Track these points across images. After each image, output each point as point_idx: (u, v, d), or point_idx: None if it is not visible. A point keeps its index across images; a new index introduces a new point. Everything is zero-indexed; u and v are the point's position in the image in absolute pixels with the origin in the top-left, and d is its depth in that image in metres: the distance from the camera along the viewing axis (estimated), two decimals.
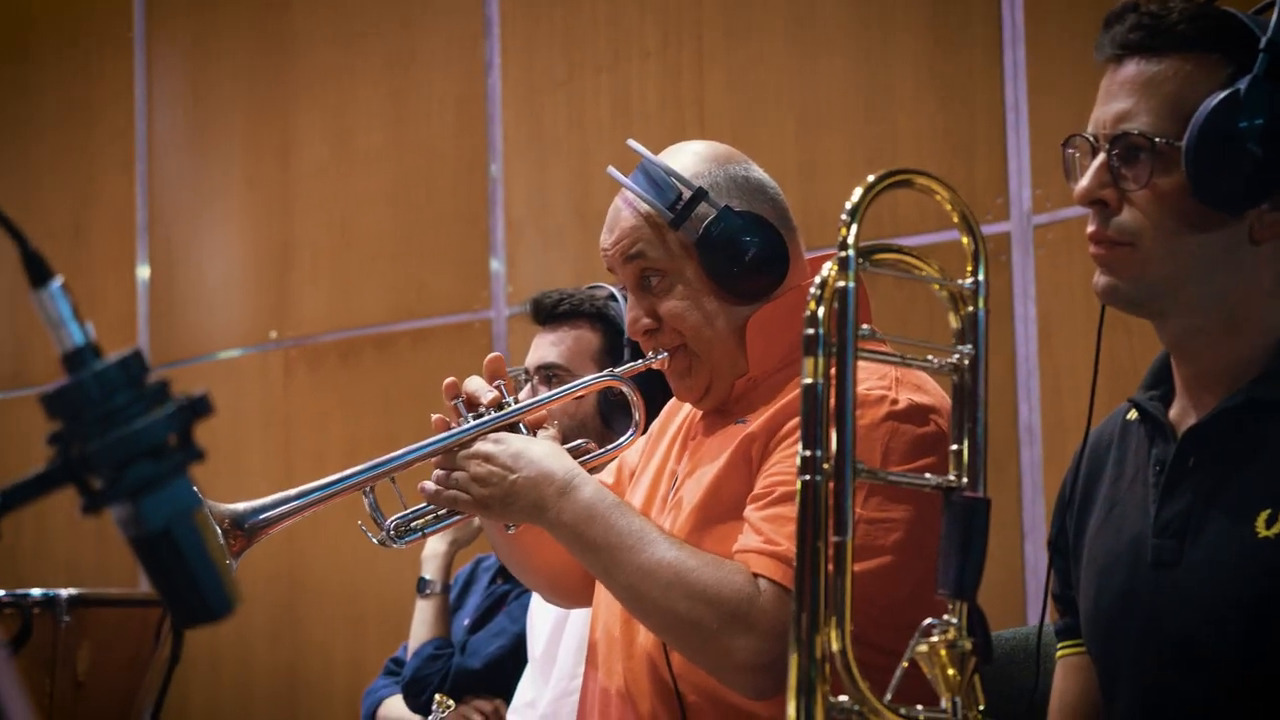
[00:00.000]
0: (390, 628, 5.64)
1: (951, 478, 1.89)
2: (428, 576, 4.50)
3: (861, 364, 2.58)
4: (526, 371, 3.96)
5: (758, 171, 2.84)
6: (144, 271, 7.78)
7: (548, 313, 3.95)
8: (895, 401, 2.60)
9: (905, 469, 2.52)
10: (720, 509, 2.69)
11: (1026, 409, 4.97)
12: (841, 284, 1.85)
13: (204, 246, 7.56)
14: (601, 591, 2.84)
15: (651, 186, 2.75)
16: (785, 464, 2.61)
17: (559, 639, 3.68)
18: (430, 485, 2.77)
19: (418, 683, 4.33)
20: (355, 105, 6.95)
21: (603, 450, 2.94)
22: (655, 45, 5.99)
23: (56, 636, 5.61)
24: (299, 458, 6.91)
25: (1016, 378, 5.00)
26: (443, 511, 2.82)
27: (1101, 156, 2.20)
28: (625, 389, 2.92)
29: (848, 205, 1.90)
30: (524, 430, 2.79)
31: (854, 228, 1.87)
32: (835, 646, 1.78)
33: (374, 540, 2.84)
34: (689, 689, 2.67)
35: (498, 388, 2.80)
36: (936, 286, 1.94)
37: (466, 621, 4.46)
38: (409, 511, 2.84)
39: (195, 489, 1.35)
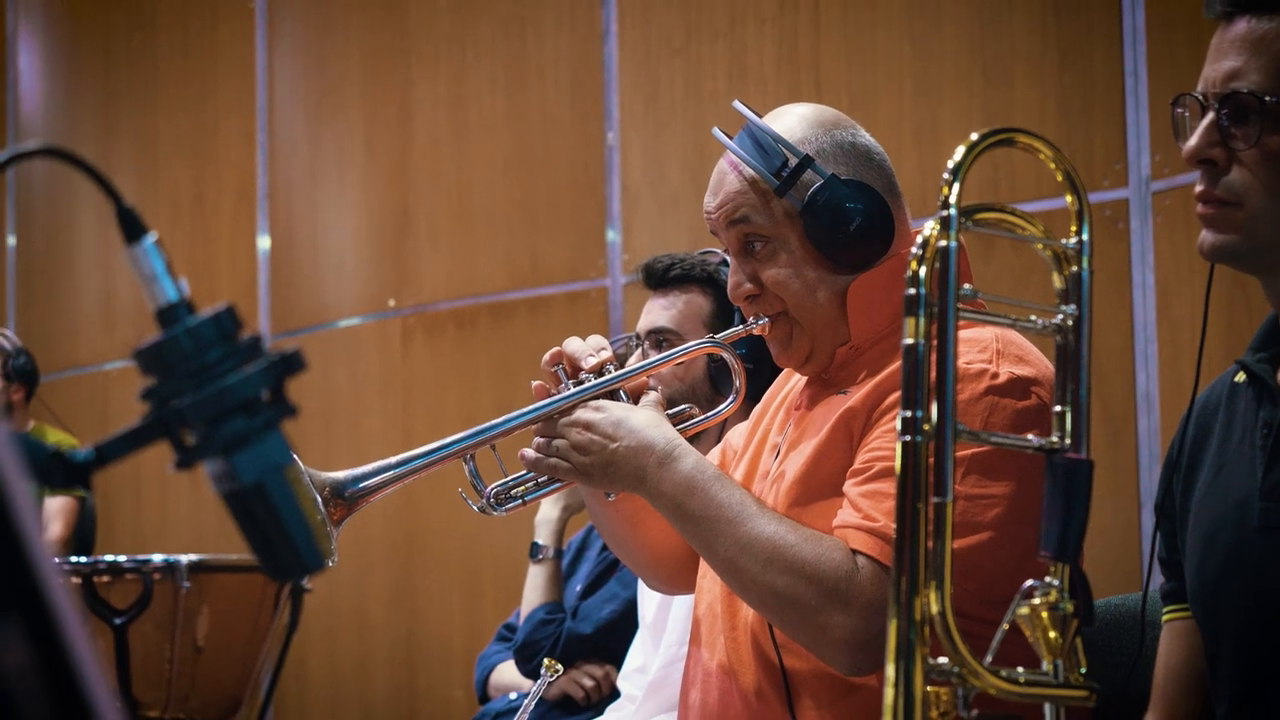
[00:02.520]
0: (507, 594, 5.66)
1: (1054, 439, 1.86)
2: (541, 542, 4.51)
3: (963, 337, 2.57)
4: (638, 336, 3.95)
5: (865, 137, 2.79)
6: (264, 241, 7.85)
7: (659, 277, 3.94)
8: (995, 375, 2.56)
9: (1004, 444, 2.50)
10: (820, 483, 2.66)
11: (1144, 377, 4.92)
12: (943, 243, 1.83)
13: (323, 215, 7.62)
14: (705, 569, 2.83)
15: (757, 151, 2.71)
16: (885, 438, 2.58)
17: (669, 605, 3.68)
18: (530, 453, 2.76)
19: (529, 647, 4.34)
20: (473, 73, 6.97)
21: (705, 416, 2.91)
22: (772, 11, 5.96)
23: (177, 602, 5.69)
24: (417, 424, 6.95)
25: (1134, 345, 4.95)
26: (543, 479, 2.81)
27: (1210, 116, 2.17)
28: (726, 355, 2.89)
29: (950, 164, 1.88)
30: (625, 397, 2.77)
31: (956, 186, 1.85)
32: (935, 609, 1.76)
33: (474, 508, 2.82)
34: (793, 662, 2.66)
35: (600, 354, 2.78)
36: (1040, 246, 1.91)
37: (579, 587, 4.47)
38: (509, 479, 2.83)
39: (288, 445, 1.35)
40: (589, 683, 4.30)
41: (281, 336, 7.68)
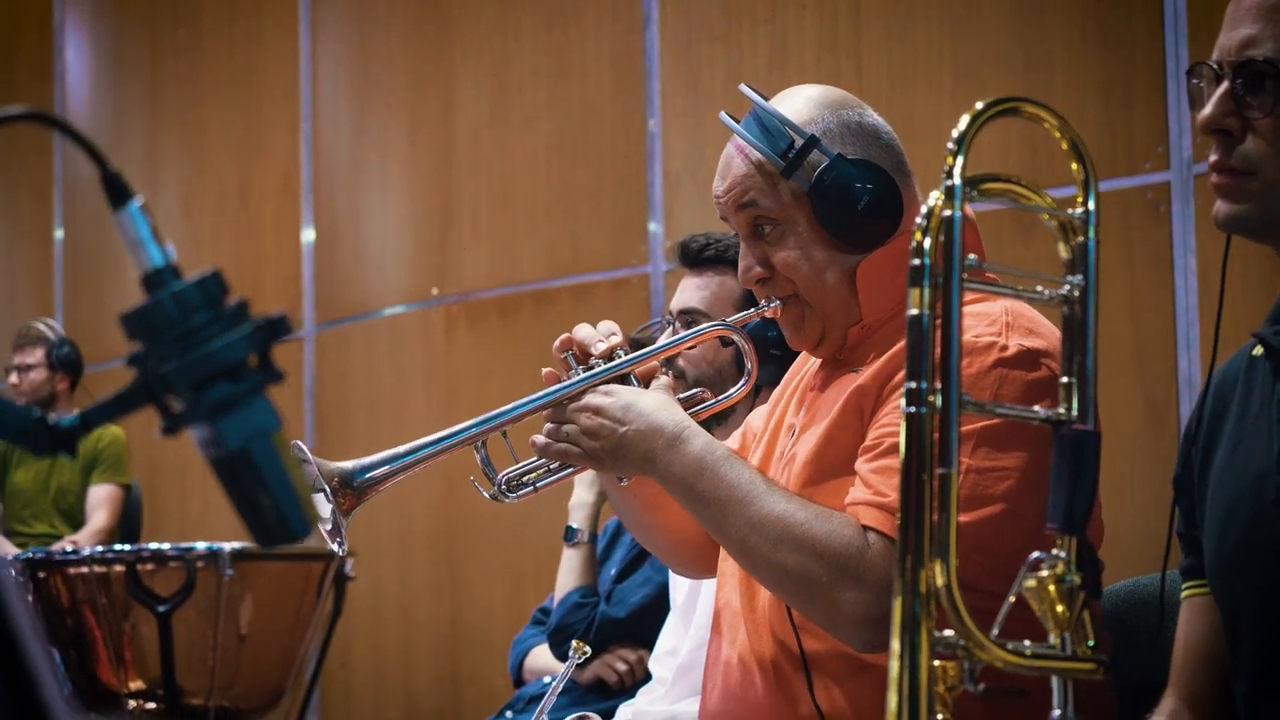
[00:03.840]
0: (549, 582, 5.67)
1: (1061, 411, 1.85)
2: (575, 526, 4.51)
3: (972, 311, 2.56)
4: (670, 314, 3.94)
5: (872, 116, 2.78)
6: (309, 232, 7.88)
7: (694, 257, 3.93)
8: (1005, 348, 2.54)
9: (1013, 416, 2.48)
10: (832, 462, 2.65)
11: (1186, 360, 4.89)
12: (948, 213, 1.82)
13: (367, 206, 7.65)
14: (725, 556, 2.82)
15: (763, 133, 2.70)
16: (895, 414, 2.55)
17: (699, 589, 3.67)
18: (541, 439, 2.75)
19: (563, 631, 4.35)
20: (515, 63, 6.98)
21: (716, 400, 2.89)
22: None
23: (220, 590, 5.72)
24: (460, 412, 6.89)
25: (1176, 329, 4.92)
26: (555, 465, 2.79)
27: (1225, 84, 2.14)
28: (737, 338, 2.87)
29: (954, 133, 1.87)
30: (635, 382, 2.76)
31: (960, 158, 1.84)
32: (940, 582, 1.74)
33: (486, 495, 2.81)
34: (811, 643, 2.64)
35: (609, 339, 2.77)
36: (1046, 216, 1.89)
37: (613, 571, 4.47)
38: (520, 466, 2.81)
39: (274, 410, 1.35)
40: (622, 666, 4.30)
41: (326, 326, 7.71)
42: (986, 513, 2.48)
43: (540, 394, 2.75)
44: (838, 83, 5.67)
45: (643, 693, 3.93)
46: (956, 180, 1.82)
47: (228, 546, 5.73)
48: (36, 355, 7.49)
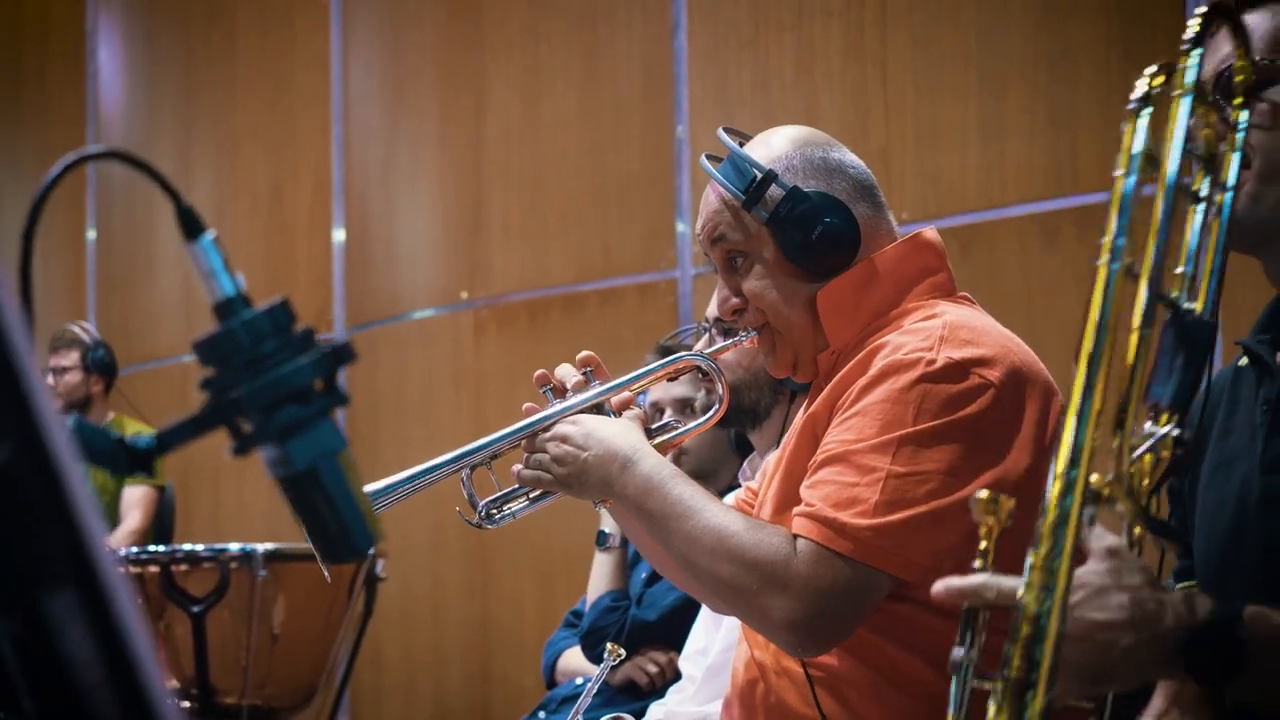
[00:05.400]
0: (579, 582, 5.72)
1: (1176, 294, 1.93)
2: (607, 530, 4.58)
3: (911, 328, 2.68)
4: (707, 320, 4.00)
5: (840, 153, 2.88)
6: (339, 233, 7.94)
7: None
8: (931, 362, 2.62)
9: (936, 424, 2.57)
10: (793, 490, 2.74)
11: None
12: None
13: (398, 208, 7.70)
14: None
15: (733, 172, 2.82)
16: (833, 431, 2.68)
17: None
18: (518, 466, 2.90)
19: (595, 633, 4.40)
20: (545, 67, 7.04)
21: (685, 428, 3.01)
22: (839, 4, 6.01)
23: (253, 590, 5.76)
24: (489, 415, 7.01)
25: None
26: (535, 493, 2.93)
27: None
28: (707, 367, 2.98)
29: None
30: (609, 412, 2.89)
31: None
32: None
33: (469, 523, 2.96)
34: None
35: (585, 374, 2.90)
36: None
37: (644, 575, 4.52)
38: (502, 493, 2.96)
39: (339, 431, 1.42)
40: (653, 669, 4.36)
41: (357, 329, 7.78)
42: (908, 515, 2.56)
43: (517, 425, 2.89)
44: (863, 88, 5.79)
45: (673, 691, 3.99)
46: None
47: (261, 547, 5.78)
48: (72, 358, 7.53)
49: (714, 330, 3.93)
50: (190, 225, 1.43)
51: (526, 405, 2.92)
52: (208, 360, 1.40)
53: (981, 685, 1.79)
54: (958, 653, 1.84)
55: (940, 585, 1.84)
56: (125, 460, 1.39)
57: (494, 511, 2.95)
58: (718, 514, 2.66)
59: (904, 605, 2.63)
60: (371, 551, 1.35)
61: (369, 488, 2.83)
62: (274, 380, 1.39)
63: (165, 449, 1.40)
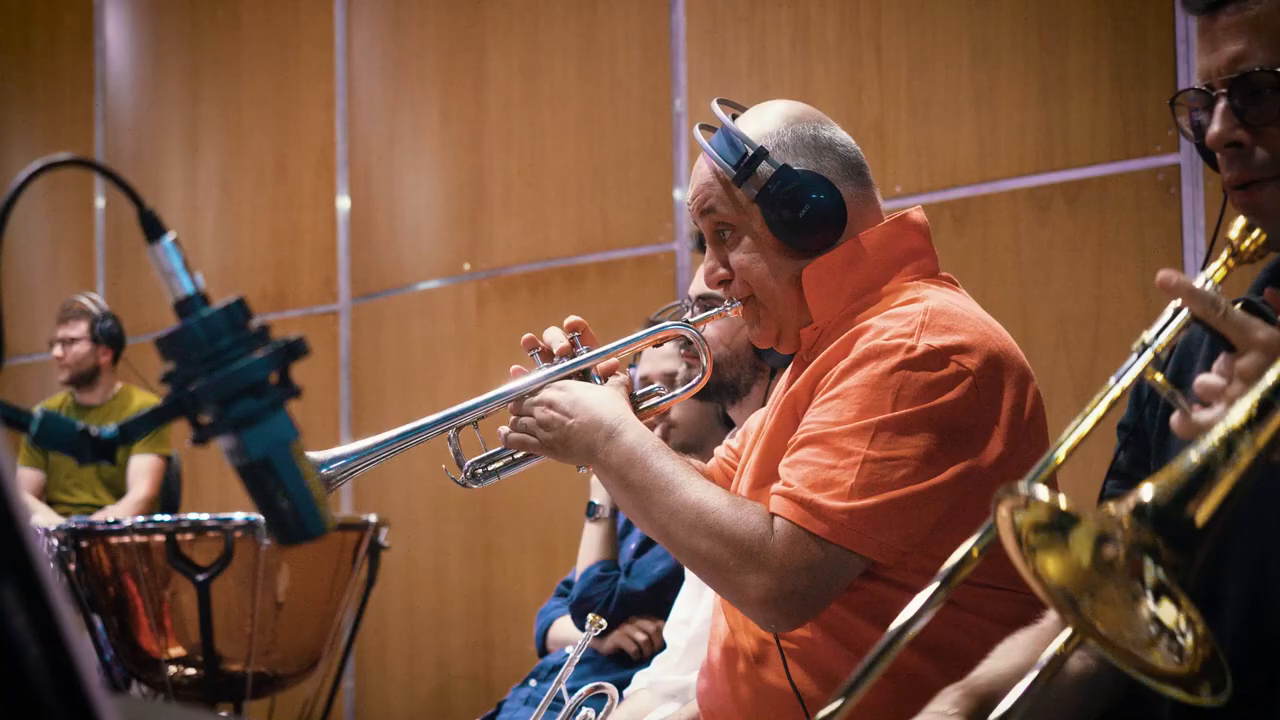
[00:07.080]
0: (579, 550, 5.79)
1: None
2: (597, 501, 4.63)
3: (893, 313, 2.73)
4: (689, 298, 4.04)
5: (830, 130, 2.93)
6: (344, 205, 7.99)
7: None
8: (911, 349, 2.67)
9: (914, 411, 2.63)
10: (772, 466, 2.81)
11: None
12: None
13: (400, 181, 7.76)
14: None
15: (726, 146, 2.88)
16: (813, 412, 2.74)
17: None
18: (504, 429, 2.95)
19: (584, 603, 4.45)
20: (545, 41, 7.09)
21: (669, 395, 3.07)
22: None
23: (258, 559, 5.80)
24: (491, 384, 6.97)
25: None
26: (519, 455, 2.99)
27: (1223, 102, 2.21)
28: (691, 336, 3.04)
29: None
30: (595, 378, 2.95)
31: None
32: None
33: (455, 481, 3.01)
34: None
35: (572, 339, 2.96)
36: None
37: (633, 545, 4.57)
38: (487, 454, 3.02)
39: (292, 422, 1.50)
40: (641, 637, 4.41)
41: (361, 300, 7.84)
42: (882, 499, 2.63)
43: (504, 388, 2.95)
44: (858, 63, 5.84)
45: (658, 660, 4.03)
46: None
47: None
48: (80, 329, 7.59)
49: (696, 306, 3.99)
50: (151, 228, 1.51)
51: (514, 368, 2.96)
52: (168, 355, 1.48)
53: None
54: None
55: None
56: (90, 450, 1.47)
57: (479, 471, 3.01)
58: (698, 489, 2.71)
59: (877, 584, 2.68)
60: (322, 535, 1.41)
61: (361, 444, 2.90)
62: (230, 374, 1.47)
63: (128, 439, 1.48)
